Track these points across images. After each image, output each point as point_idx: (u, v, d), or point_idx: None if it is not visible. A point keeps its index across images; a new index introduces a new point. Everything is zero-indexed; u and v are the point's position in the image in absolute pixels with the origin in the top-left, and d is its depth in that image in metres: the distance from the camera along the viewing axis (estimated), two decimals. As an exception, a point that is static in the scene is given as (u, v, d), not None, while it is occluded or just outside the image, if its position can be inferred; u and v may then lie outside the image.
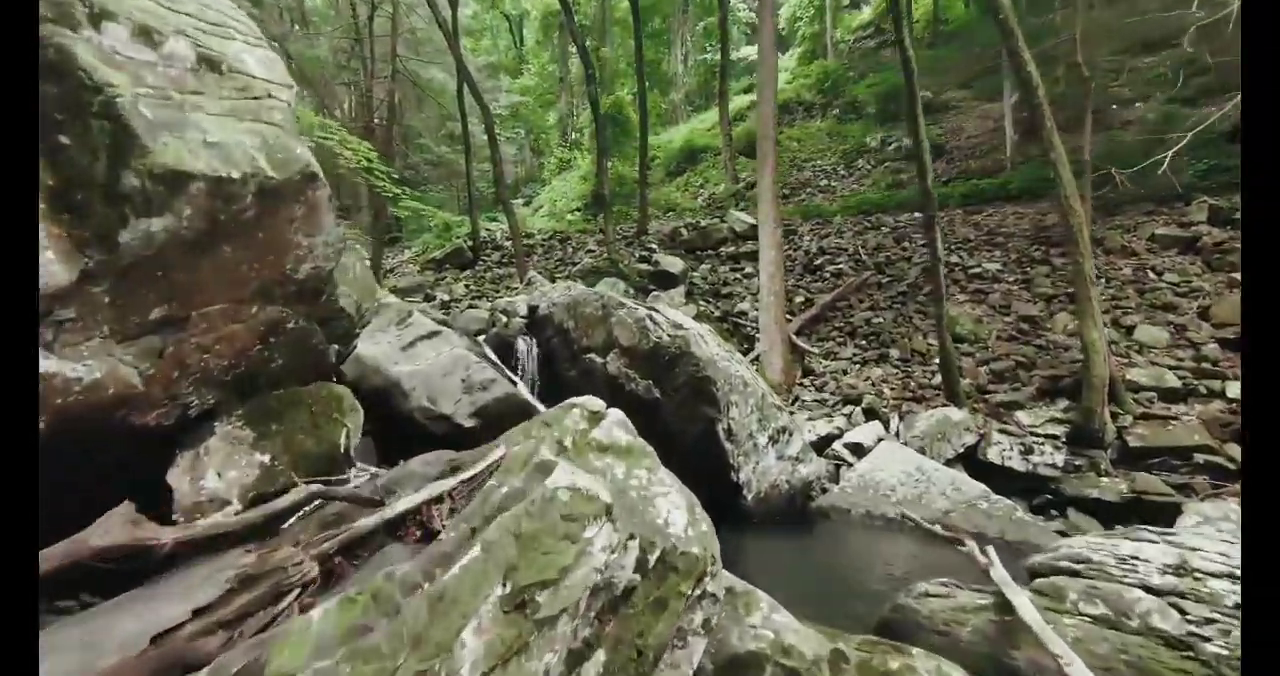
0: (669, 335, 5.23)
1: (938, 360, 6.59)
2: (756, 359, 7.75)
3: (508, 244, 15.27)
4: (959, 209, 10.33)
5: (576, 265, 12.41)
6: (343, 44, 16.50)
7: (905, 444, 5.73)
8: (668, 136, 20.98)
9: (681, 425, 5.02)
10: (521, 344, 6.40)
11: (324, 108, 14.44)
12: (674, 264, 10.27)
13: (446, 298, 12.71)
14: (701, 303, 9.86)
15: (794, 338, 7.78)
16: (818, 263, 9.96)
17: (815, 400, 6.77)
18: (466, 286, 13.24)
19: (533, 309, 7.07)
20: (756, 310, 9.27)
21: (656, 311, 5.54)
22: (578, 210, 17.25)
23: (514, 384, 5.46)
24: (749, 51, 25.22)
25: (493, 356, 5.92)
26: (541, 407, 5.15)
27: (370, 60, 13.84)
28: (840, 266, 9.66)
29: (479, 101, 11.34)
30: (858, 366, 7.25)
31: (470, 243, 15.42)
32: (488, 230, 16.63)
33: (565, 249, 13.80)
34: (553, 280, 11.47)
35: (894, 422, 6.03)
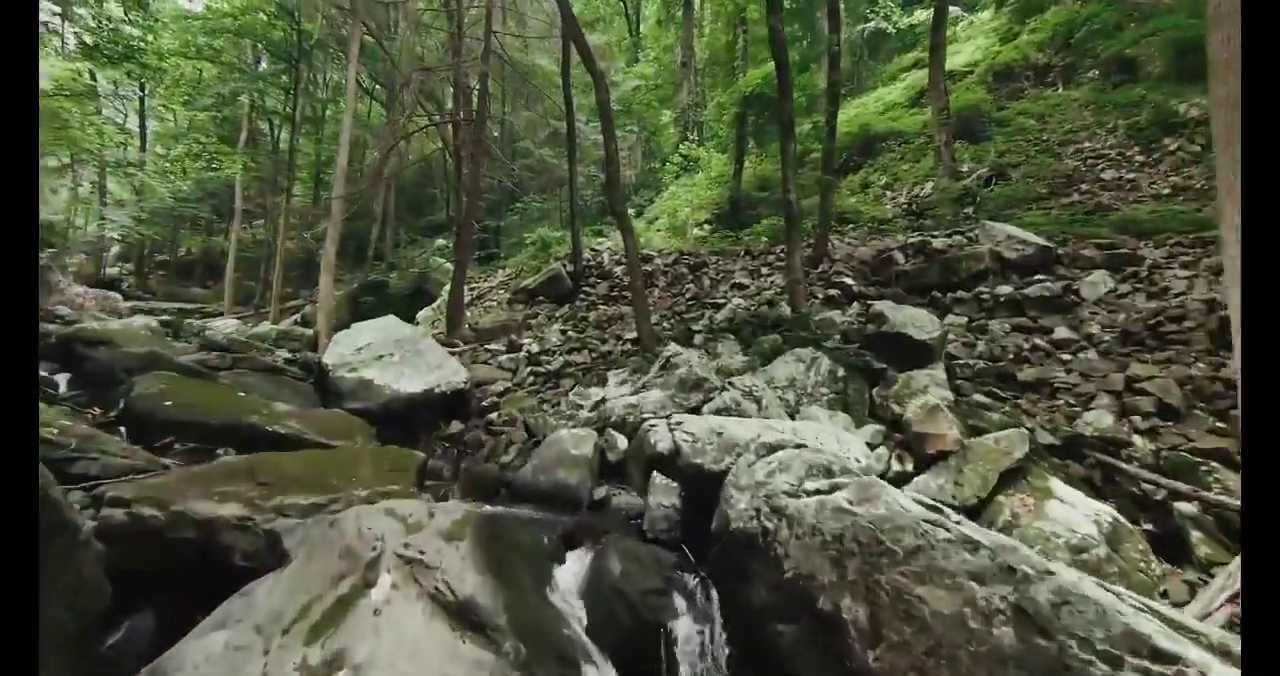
0: None
1: None
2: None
3: (618, 270, 11.50)
4: None
5: (720, 309, 8.22)
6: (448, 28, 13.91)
7: None
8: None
9: None
10: (682, 624, 2.24)
11: (402, 101, 11.68)
12: (917, 321, 5.64)
13: (535, 348, 9.09)
14: (978, 396, 5.15)
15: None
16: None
17: None
18: (563, 332, 9.58)
19: (691, 467, 2.94)
20: (1133, 434, 4.40)
21: None
22: (707, 223, 13.11)
23: None
24: (923, 16, 19.67)
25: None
26: None
27: (459, 36, 10.81)
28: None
29: (590, 68, 7.62)
30: None
31: (570, 266, 11.89)
32: (593, 250, 13.03)
33: (699, 280, 9.68)
34: (688, 338, 7.35)
35: None
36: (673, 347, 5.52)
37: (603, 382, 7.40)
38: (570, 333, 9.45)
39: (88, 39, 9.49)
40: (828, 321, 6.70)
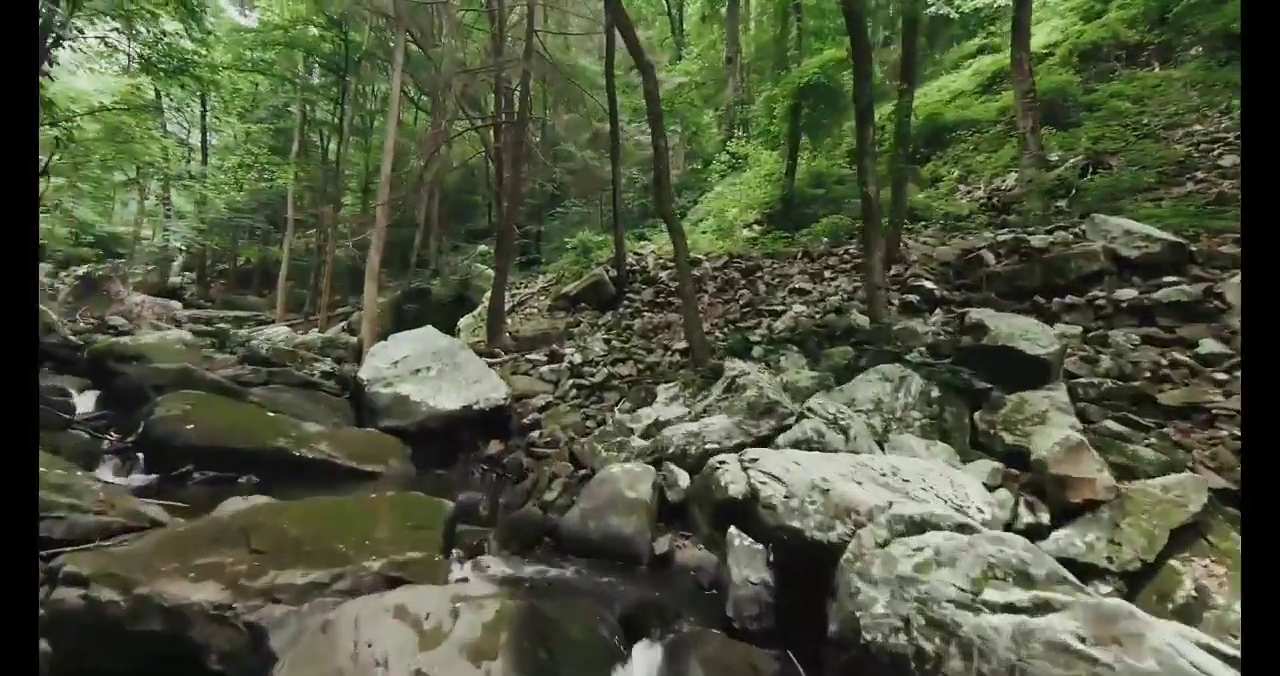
0: None
1: None
2: None
3: (663, 275, 10.90)
4: None
5: (779, 317, 7.48)
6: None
7: None
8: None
9: None
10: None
11: (444, 105, 11.47)
12: (1029, 332, 4.76)
13: (578, 359, 8.59)
14: (1110, 424, 4.24)
15: None
16: None
17: None
18: (606, 341, 9.05)
19: (786, 531, 2.23)
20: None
21: None
22: (757, 224, 12.34)
23: None
24: (990, -3, 18.23)
25: None
26: None
27: (500, 36, 10.52)
28: None
29: (638, 60, 7.09)
30: None
31: (613, 271, 11.38)
32: (636, 254, 12.49)
33: (754, 285, 8.95)
34: (746, 349, 6.65)
35: None
36: (737, 365, 4.85)
37: (651, 398, 6.81)
38: (614, 342, 8.91)
39: (144, 52, 9.67)
40: (909, 331, 5.87)
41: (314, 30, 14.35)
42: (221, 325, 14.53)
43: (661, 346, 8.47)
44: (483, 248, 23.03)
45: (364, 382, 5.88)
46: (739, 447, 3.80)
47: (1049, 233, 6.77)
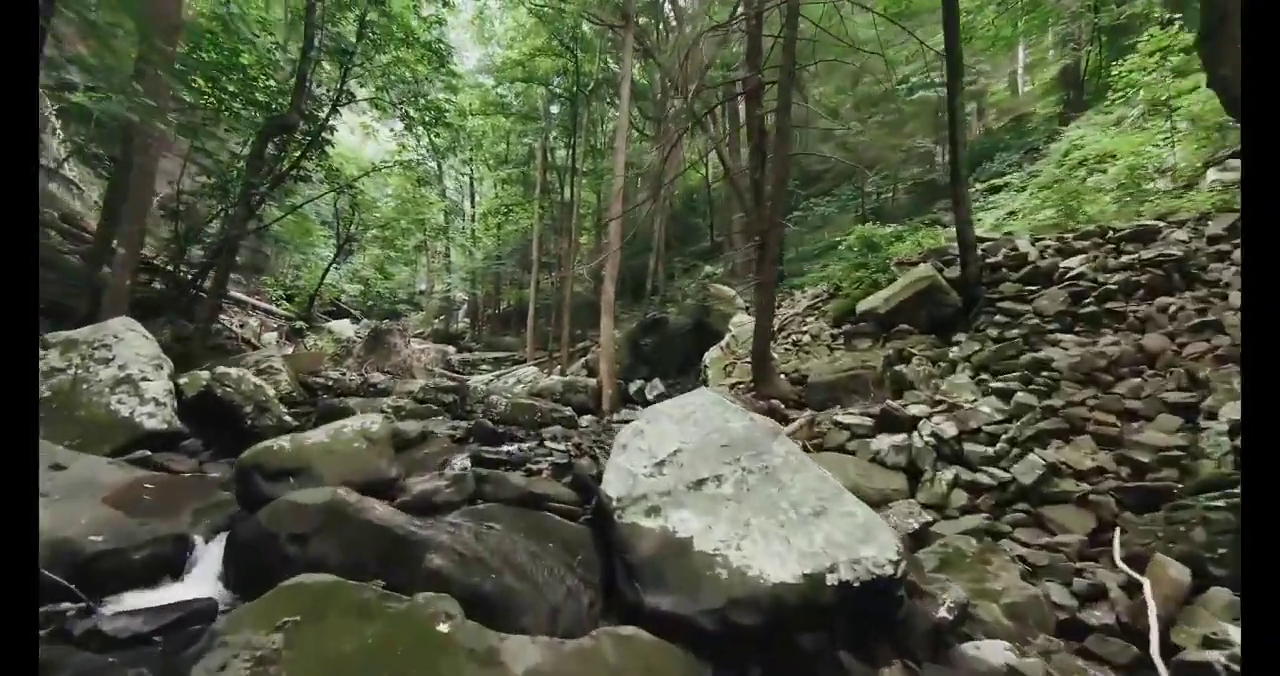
0: None
1: None
2: None
3: (1069, 264, 6.28)
4: None
5: None
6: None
7: None
8: None
9: None
10: None
11: (684, 71, 9.08)
12: None
13: (949, 429, 4.79)
14: None
15: None
16: None
17: None
18: (996, 391, 4.97)
19: None
20: None
21: None
22: (1236, 156, 6.69)
23: None
24: None
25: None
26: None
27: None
28: None
29: None
30: None
31: (950, 266, 7.28)
32: (982, 244, 8.01)
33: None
34: None
35: None
36: None
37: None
38: (1020, 393, 4.78)
39: (402, 105, 9.63)
40: None
41: (549, 60, 14.07)
42: (487, 367, 14.79)
43: (1159, 406, 4.08)
44: (708, 268, 20.74)
45: (612, 507, 3.16)
46: None
47: None
